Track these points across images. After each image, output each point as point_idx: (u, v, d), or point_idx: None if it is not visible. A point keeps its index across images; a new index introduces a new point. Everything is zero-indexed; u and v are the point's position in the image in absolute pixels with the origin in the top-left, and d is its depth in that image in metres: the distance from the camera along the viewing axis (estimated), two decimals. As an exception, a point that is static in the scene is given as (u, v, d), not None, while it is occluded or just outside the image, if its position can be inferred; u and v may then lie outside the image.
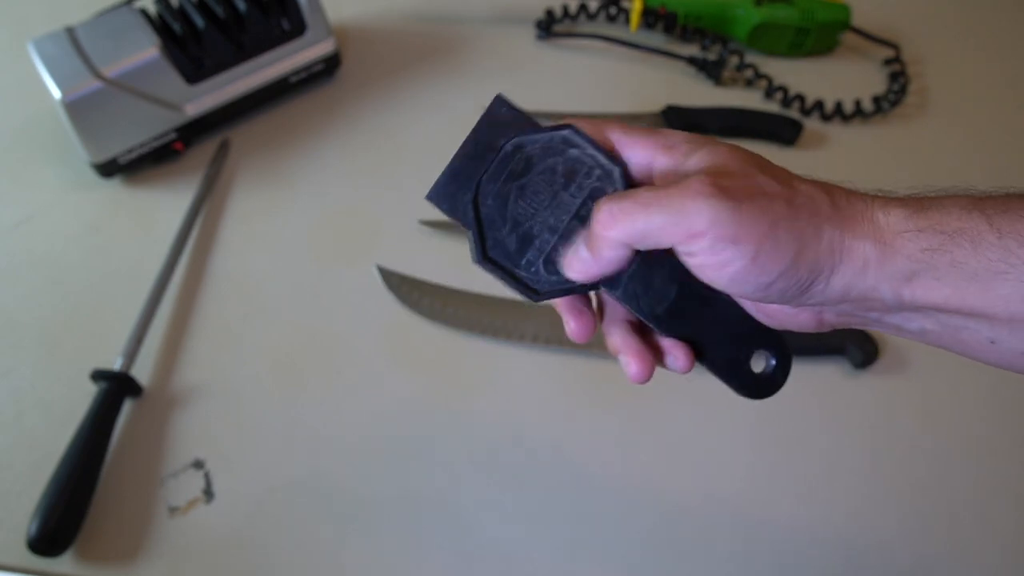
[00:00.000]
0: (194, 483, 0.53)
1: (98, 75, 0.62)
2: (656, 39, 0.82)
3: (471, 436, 0.56)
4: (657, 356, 0.34)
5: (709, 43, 0.80)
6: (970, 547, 0.52)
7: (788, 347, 0.35)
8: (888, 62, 0.79)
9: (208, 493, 0.52)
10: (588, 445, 0.56)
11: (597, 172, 0.32)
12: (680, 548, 0.51)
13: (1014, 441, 0.56)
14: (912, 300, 0.29)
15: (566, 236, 0.32)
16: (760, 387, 0.35)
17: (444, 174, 0.33)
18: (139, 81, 0.63)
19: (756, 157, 0.31)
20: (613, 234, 0.30)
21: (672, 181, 0.30)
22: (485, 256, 0.32)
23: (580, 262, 0.32)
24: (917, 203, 0.30)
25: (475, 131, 0.33)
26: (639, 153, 0.32)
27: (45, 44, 0.63)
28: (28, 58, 0.63)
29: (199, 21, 0.66)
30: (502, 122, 0.33)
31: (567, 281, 0.32)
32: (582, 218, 0.32)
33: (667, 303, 0.33)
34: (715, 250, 0.28)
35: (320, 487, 0.53)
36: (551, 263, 0.32)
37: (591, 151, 0.32)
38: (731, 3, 0.78)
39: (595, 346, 0.59)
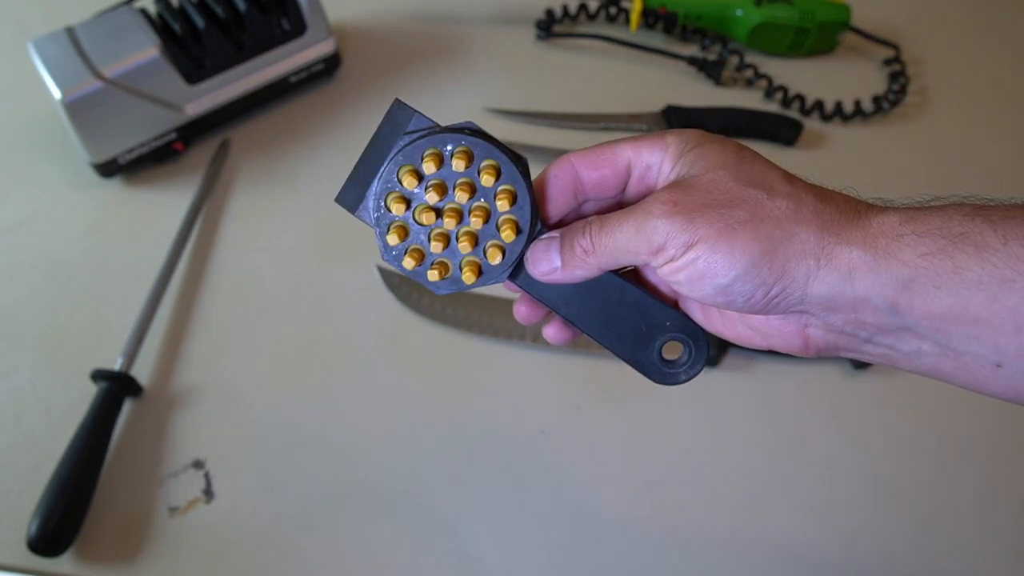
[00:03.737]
0: (194, 483, 0.53)
1: (98, 75, 0.62)
2: (656, 39, 0.82)
3: (471, 436, 0.56)
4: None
5: (709, 43, 0.80)
6: (970, 547, 0.52)
7: (701, 333, 0.35)
8: (888, 62, 0.79)
9: (208, 493, 0.52)
10: (588, 445, 0.56)
11: (498, 167, 0.33)
12: (680, 547, 0.51)
13: (1014, 441, 0.56)
14: (909, 311, 0.27)
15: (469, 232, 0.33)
16: (664, 373, 0.35)
17: (348, 178, 0.34)
18: (139, 81, 0.63)
19: (742, 159, 0.31)
20: (592, 260, 0.32)
21: (643, 198, 0.32)
22: (385, 258, 0.34)
23: (548, 266, 0.34)
24: (915, 210, 0.28)
25: (375, 135, 0.34)
26: (643, 154, 0.33)
27: (45, 44, 0.63)
28: (28, 58, 0.63)
29: (199, 21, 0.66)
30: (402, 124, 0.34)
31: (461, 282, 0.34)
32: (485, 213, 0.33)
33: (569, 295, 0.35)
34: (675, 258, 0.30)
35: (319, 487, 0.53)
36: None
37: (491, 147, 0.33)
38: (731, 3, 0.78)
39: (595, 346, 0.58)
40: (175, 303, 0.61)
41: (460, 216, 0.33)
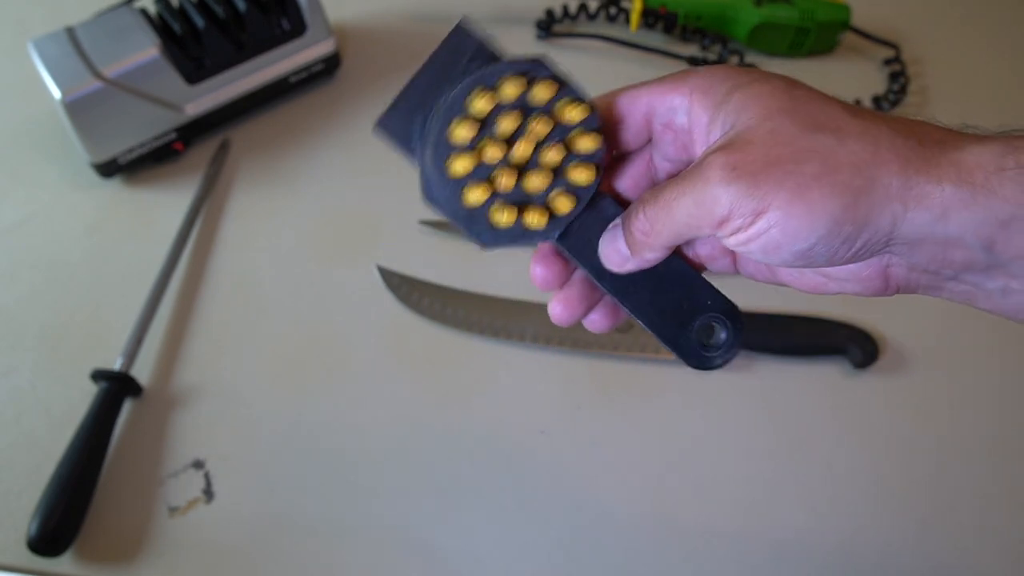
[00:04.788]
0: (194, 483, 0.53)
1: (98, 75, 0.62)
2: (656, 39, 0.82)
3: (471, 436, 0.56)
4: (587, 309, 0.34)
5: (709, 43, 0.80)
6: (970, 547, 0.52)
7: (740, 316, 0.33)
8: (888, 62, 0.79)
9: (208, 493, 0.52)
10: (588, 445, 0.56)
11: (584, 108, 0.30)
12: (680, 547, 0.51)
13: (1015, 441, 0.56)
14: (1005, 249, 0.25)
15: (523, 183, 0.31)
16: (702, 357, 0.33)
17: (394, 103, 0.30)
18: (139, 81, 0.63)
19: (796, 98, 0.28)
20: (655, 241, 0.30)
21: (693, 166, 0.28)
22: (430, 196, 0.31)
23: (619, 257, 0.31)
24: (1018, 139, 0.26)
25: (429, 61, 0.31)
26: (665, 99, 0.31)
27: (45, 44, 0.63)
28: (28, 58, 0.63)
29: (199, 21, 0.65)
30: (463, 53, 0.31)
31: (519, 231, 0.31)
32: (546, 166, 0.31)
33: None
34: (744, 228, 0.27)
35: (319, 487, 0.53)
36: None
37: (562, 84, 0.30)
38: (731, 3, 0.78)
39: (595, 346, 0.59)
40: (175, 303, 0.61)
41: (533, 151, 0.30)
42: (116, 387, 0.54)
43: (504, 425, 0.56)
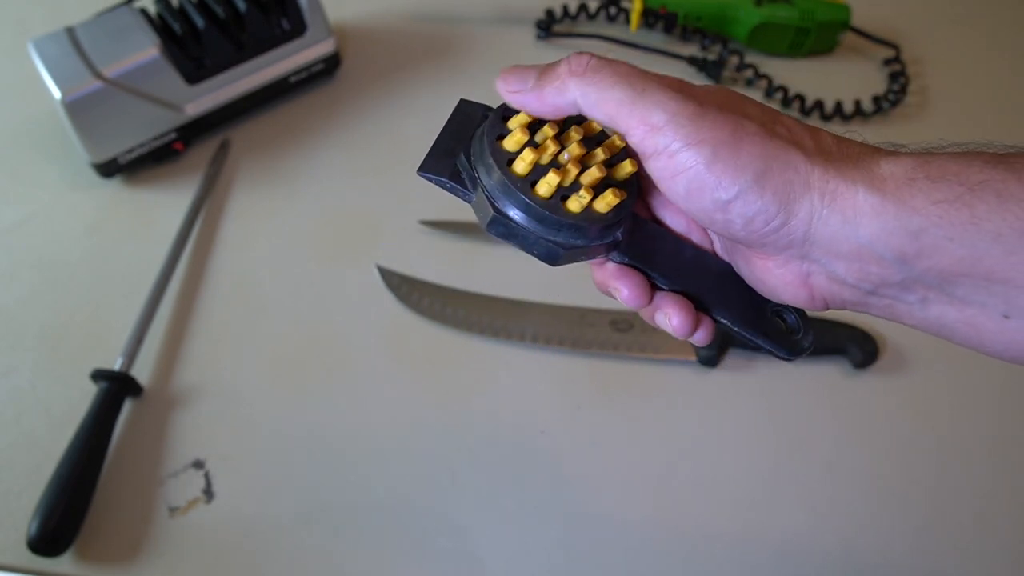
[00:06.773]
0: (194, 483, 0.53)
1: (98, 75, 0.62)
2: (656, 39, 0.82)
3: (470, 436, 0.56)
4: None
5: (709, 43, 0.80)
6: (970, 548, 0.52)
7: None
8: (888, 62, 0.79)
9: (208, 493, 0.52)
10: (588, 445, 0.56)
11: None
12: (680, 547, 0.51)
13: (1014, 442, 0.56)
14: (917, 261, 0.26)
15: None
16: (792, 342, 0.34)
17: (429, 153, 0.33)
18: (139, 81, 0.63)
19: (746, 98, 0.30)
20: (574, 83, 0.28)
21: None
22: (498, 216, 0.31)
23: (520, 83, 0.30)
24: (930, 155, 0.26)
25: (449, 120, 0.35)
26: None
27: (45, 44, 0.63)
28: (28, 58, 0.63)
29: (199, 21, 0.66)
30: (472, 116, 0.34)
31: (577, 243, 0.31)
32: (596, 162, 0.31)
33: (675, 263, 0.33)
34: (670, 151, 0.27)
35: (319, 487, 0.53)
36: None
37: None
38: (731, 3, 0.78)
39: (595, 346, 0.58)
40: (175, 303, 0.61)
41: (583, 148, 0.31)
42: (116, 387, 0.54)
43: (504, 425, 0.56)
